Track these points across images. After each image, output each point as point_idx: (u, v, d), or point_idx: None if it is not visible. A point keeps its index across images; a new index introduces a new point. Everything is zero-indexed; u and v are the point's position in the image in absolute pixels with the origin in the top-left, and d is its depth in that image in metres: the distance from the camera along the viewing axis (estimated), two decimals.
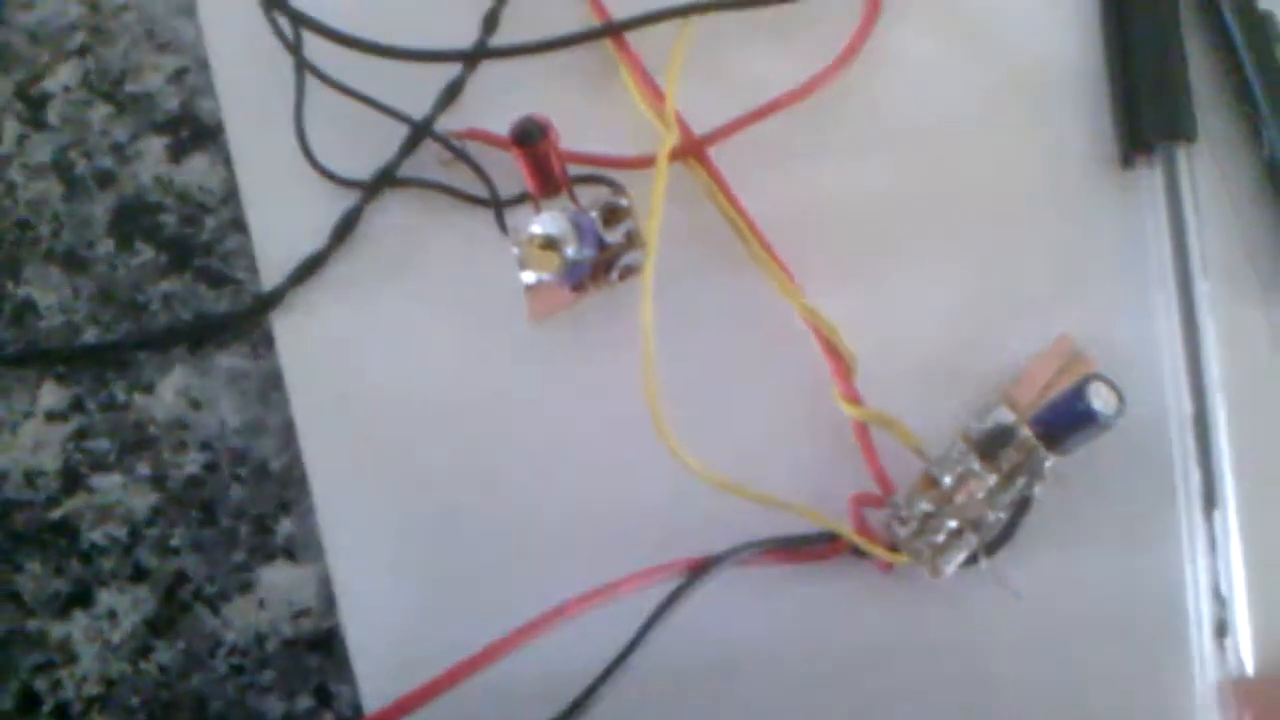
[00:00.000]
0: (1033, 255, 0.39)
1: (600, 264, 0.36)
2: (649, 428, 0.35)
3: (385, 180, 0.37)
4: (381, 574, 0.36)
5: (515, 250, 0.35)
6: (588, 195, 0.36)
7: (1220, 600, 0.38)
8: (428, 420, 0.37)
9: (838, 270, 0.38)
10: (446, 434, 0.37)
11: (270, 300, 0.37)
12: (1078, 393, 0.35)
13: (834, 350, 0.37)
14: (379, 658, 0.36)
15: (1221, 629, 0.38)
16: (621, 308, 0.36)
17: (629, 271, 0.36)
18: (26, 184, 0.38)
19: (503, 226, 0.37)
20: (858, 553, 0.37)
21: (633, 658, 0.32)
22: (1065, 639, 0.38)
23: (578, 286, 0.35)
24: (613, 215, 0.35)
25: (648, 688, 0.35)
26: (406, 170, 0.37)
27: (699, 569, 0.34)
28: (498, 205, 0.37)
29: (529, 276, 0.35)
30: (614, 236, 0.36)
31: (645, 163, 0.36)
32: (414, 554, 0.36)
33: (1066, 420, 0.35)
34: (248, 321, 0.37)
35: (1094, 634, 0.38)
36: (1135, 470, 0.38)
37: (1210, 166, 0.40)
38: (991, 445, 0.36)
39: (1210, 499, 0.38)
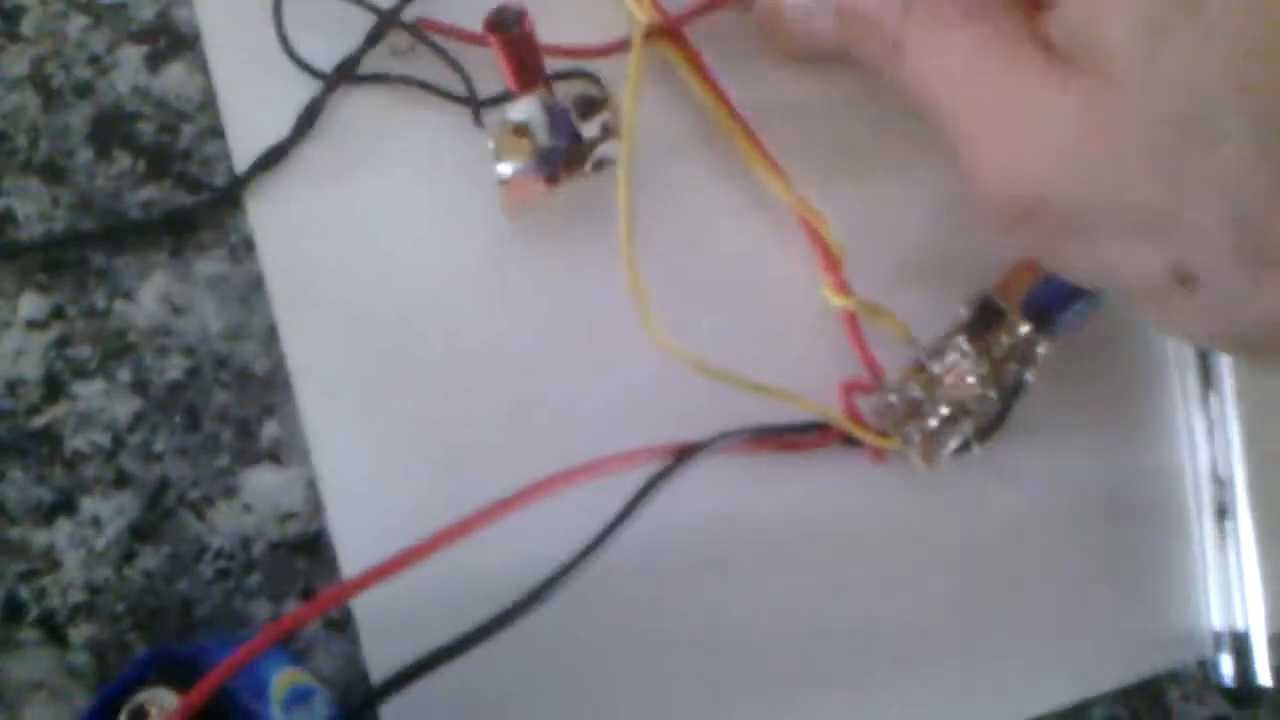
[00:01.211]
0: None
1: (575, 155, 0.35)
2: (632, 323, 0.35)
3: (348, 70, 0.37)
4: (368, 474, 0.36)
5: (491, 144, 0.35)
6: (566, 90, 0.36)
7: (1219, 482, 0.37)
8: (409, 316, 0.36)
9: (826, 165, 0.37)
10: (428, 329, 0.36)
11: (233, 187, 0.36)
12: None
13: (821, 240, 0.36)
14: (367, 558, 0.35)
15: (1222, 511, 0.37)
16: (599, 200, 0.36)
17: (604, 164, 0.35)
18: (3, 96, 0.37)
19: (479, 122, 0.36)
20: (848, 441, 0.36)
21: (612, 540, 0.32)
22: (1062, 526, 0.37)
23: (551, 178, 0.35)
24: (589, 108, 0.35)
25: (628, 573, 0.35)
26: (380, 63, 0.37)
27: (684, 453, 0.33)
28: (474, 102, 0.36)
29: (503, 168, 0.35)
30: (590, 130, 0.35)
31: (620, 47, 0.36)
32: (400, 452, 0.36)
33: (1057, 296, 0.35)
34: (213, 211, 0.37)
35: (1091, 520, 0.38)
36: (1130, 354, 0.38)
37: None
38: (981, 327, 0.36)
39: (1207, 380, 0.37)
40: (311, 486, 0.36)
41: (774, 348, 0.37)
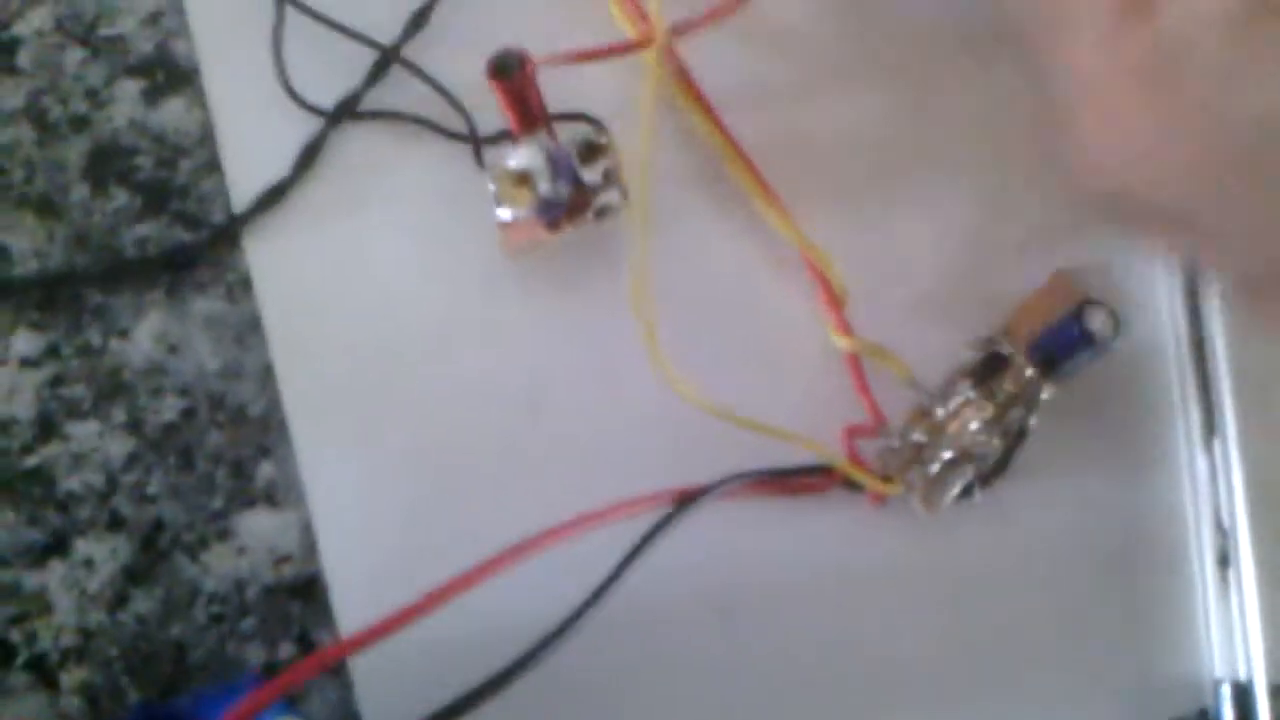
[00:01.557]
0: (1029, 189, 0.38)
1: (578, 203, 0.35)
2: (632, 363, 0.35)
3: (350, 107, 0.36)
4: (364, 518, 0.36)
5: (492, 186, 0.35)
6: (567, 133, 0.36)
7: (1222, 531, 0.37)
8: (407, 357, 0.36)
9: (832, 202, 0.37)
10: (427, 371, 0.36)
11: (232, 226, 0.36)
12: (1075, 316, 0.35)
13: (825, 280, 0.36)
14: (362, 602, 0.35)
15: (1224, 559, 0.37)
16: (597, 239, 0.36)
17: (606, 212, 0.35)
18: (2, 129, 0.37)
19: (480, 162, 0.36)
20: (850, 485, 0.36)
21: (617, 588, 0.32)
22: (1063, 572, 0.37)
23: (553, 225, 0.35)
24: (591, 152, 0.35)
25: (633, 620, 0.34)
26: (381, 98, 0.37)
27: (687, 498, 0.33)
28: (475, 141, 0.36)
29: (504, 212, 0.35)
30: (592, 175, 0.35)
31: (629, 47, 0.35)
32: (397, 495, 0.36)
33: (1064, 344, 0.35)
34: (211, 249, 0.36)
35: (1093, 566, 0.37)
36: (1134, 400, 0.38)
37: None
38: (986, 372, 0.36)
39: (1210, 427, 0.37)
40: (306, 529, 0.36)
41: (777, 387, 0.37)
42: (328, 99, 0.37)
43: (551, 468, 0.36)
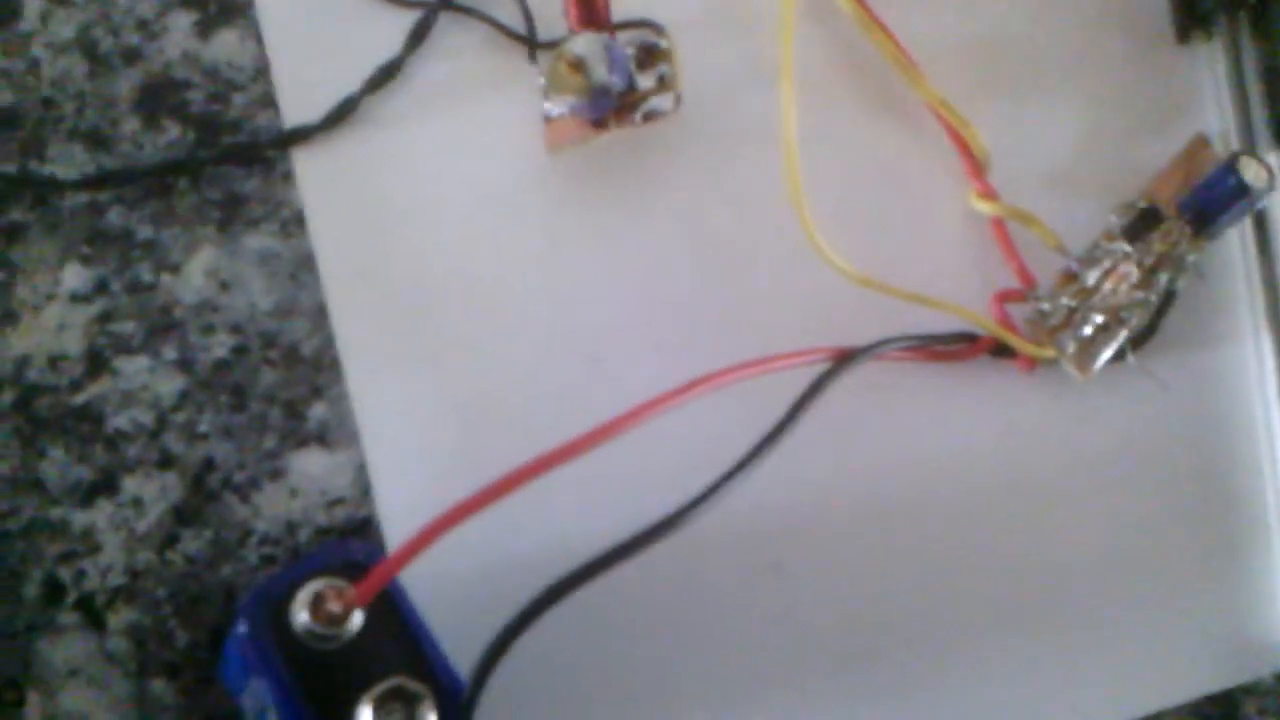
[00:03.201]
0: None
1: (627, 103, 0.34)
2: (714, 272, 0.35)
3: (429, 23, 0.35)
4: (419, 460, 0.35)
5: (540, 80, 0.34)
6: (626, 38, 0.35)
7: None
8: (465, 296, 0.35)
9: (971, 75, 0.37)
10: (485, 310, 0.35)
11: (294, 137, 0.35)
12: (1227, 169, 0.34)
13: (967, 147, 0.35)
14: None
15: None
16: (647, 151, 0.35)
17: (655, 115, 0.34)
18: (50, 61, 0.36)
19: (534, 59, 0.35)
20: (999, 352, 0.35)
21: (766, 456, 0.30)
22: (1213, 436, 0.37)
23: (599, 123, 0.34)
24: (649, 56, 0.34)
25: (779, 485, 0.32)
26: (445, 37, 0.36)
27: (844, 357, 0.32)
28: (533, 41, 0.35)
29: (552, 106, 0.34)
30: (646, 80, 0.34)
31: None
32: (452, 438, 0.35)
33: (1218, 198, 0.35)
34: (265, 182, 0.36)
35: (1242, 432, 0.37)
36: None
37: None
38: (1137, 231, 0.35)
39: None
40: (360, 470, 0.35)
41: (919, 257, 0.37)
42: (397, 29, 0.36)
43: (615, 408, 0.35)
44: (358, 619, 0.27)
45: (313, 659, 0.26)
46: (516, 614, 0.26)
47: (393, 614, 0.28)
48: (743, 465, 0.28)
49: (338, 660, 0.26)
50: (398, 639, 0.28)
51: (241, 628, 0.27)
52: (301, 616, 0.27)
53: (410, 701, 0.27)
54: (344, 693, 0.27)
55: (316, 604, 0.27)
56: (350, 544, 0.33)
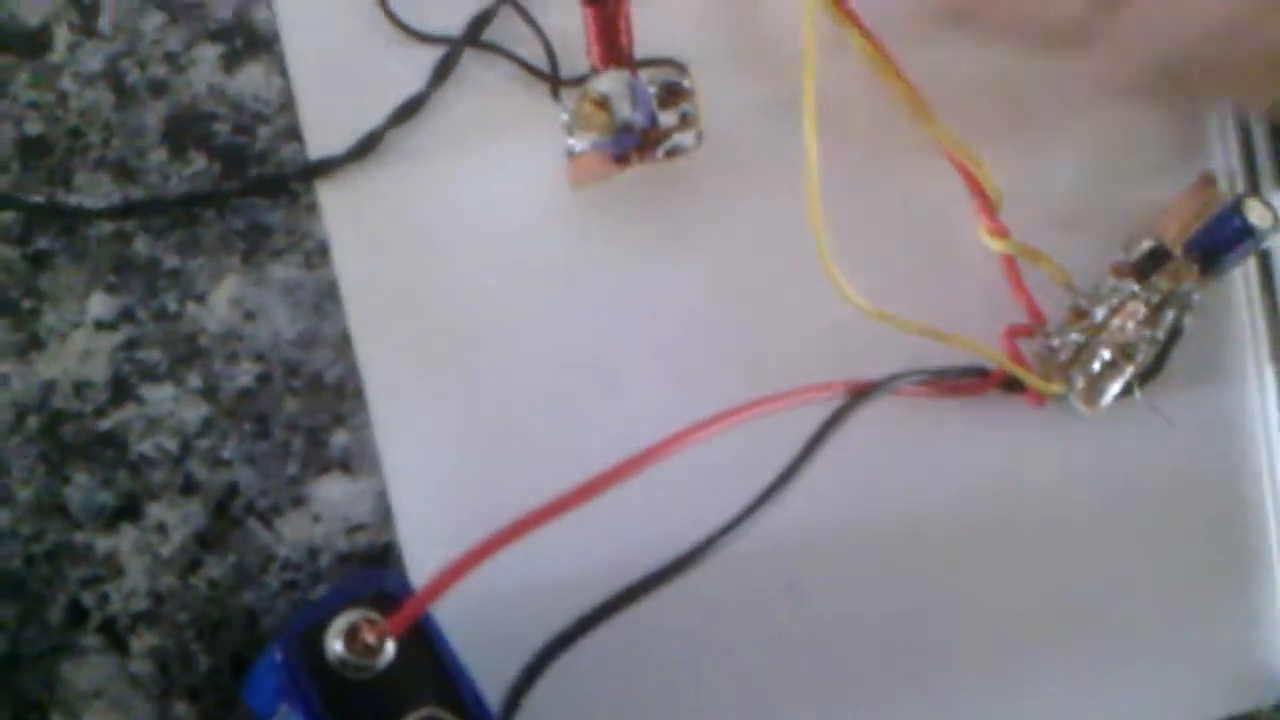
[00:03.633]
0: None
1: (649, 140, 0.35)
2: (723, 313, 0.35)
3: (478, 29, 0.36)
4: (440, 487, 0.35)
5: (564, 116, 0.34)
6: (649, 75, 0.35)
7: None
8: (487, 326, 0.36)
9: (981, 115, 0.37)
10: (507, 340, 0.36)
11: (319, 169, 0.36)
12: (1233, 210, 0.35)
13: (978, 184, 0.36)
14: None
15: None
16: (669, 185, 0.36)
17: (677, 151, 0.35)
18: (78, 92, 0.37)
19: (556, 94, 0.36)
20: (1010, 386, 0.36)
21: (785, 490, 0.30)
22: (1217, 470, 0.38)
23: (622, 159, 0.35)
24: (671, 94, 0.35)
25: (795, 510, 0.32)
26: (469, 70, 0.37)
27: (860, 392, 0.33)
28: (556, 78, 0.36)
29: (575, 142, 0.34)
30: (668, 118, 0.35)
31: None
32: (474, 467, 0.35)
33: (1223, 239, 0.35)
34: (289, 214, 0.36)
35: (1246, 465, 0.37)
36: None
37: None
38: (1144, 270, 0.36)
39: None
40: (381, 498, 0.36)
41: (932, 290, 0.37)
42: (420, 64, 0.36)
43: (635, 439, 0.35)
44: (390, 649, 0.28)
45: (346, 689, 0.27)
46: (544, 646, 0.27)
47: (424, 644, 0.29)
48: (767, 496, 0.29)
49: (370, 690, 0.27)
50: (429, 669, 0.28)
51: (277, 655, 0.28)
52: (336, 646, 0.27)
53: None
54: None
55: (351, 635, 0.27)
56: (382, 574, 0.34)
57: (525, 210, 0.36)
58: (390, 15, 0.36)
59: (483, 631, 0.30)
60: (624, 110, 0.34)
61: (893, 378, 0.34)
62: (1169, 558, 0.37)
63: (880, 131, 0.37)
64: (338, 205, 0.36)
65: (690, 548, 0.28)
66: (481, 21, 0.36)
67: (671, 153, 0.35)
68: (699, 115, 0.34)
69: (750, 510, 0.29)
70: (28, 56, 0.37)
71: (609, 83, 0.34)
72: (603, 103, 0.34)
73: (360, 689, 0.27)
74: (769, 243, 0.36)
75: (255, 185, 0.36)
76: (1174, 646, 0.37)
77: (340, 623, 0.27)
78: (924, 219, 0.37)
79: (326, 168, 0.36)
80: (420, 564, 0.35)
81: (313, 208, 0.36)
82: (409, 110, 0.36)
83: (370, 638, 0.27)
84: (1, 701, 0.34)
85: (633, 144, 0.34)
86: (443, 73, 0.36)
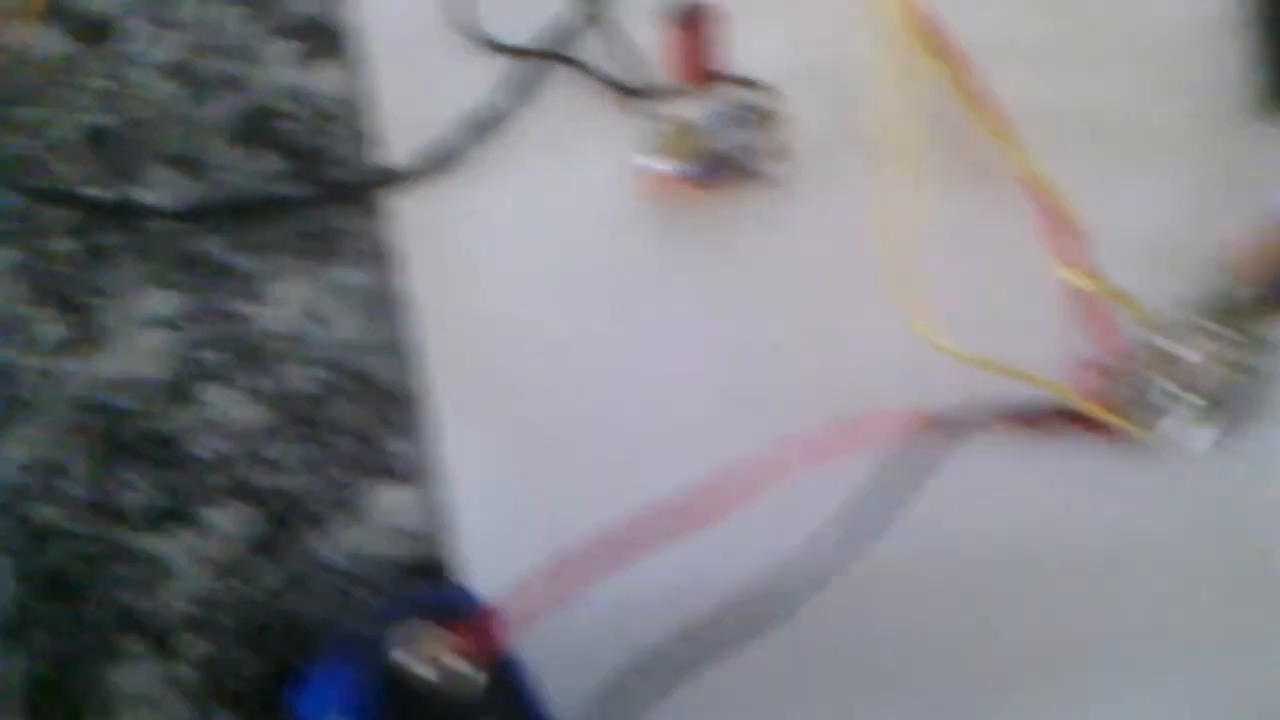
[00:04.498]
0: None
1: (736, 167, 0.34)
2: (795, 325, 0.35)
3: (553, 50, 0.36)
4: (500, 502, 0.35)
5: (646, 137, 0.34)
6: (737, 97, 0.35)
7: None
8: (557, 339, 0.35)
9: (1063, 146, 0.36)
10: (577, 353, 0.35)
11: (395, 178, 0.35)
12: None
13: (1057, 218, 0.35)
14: (494, 584, 0.34)
15: None
16: (744, 209, 0.35)
17: (765, 181, 0.34)
18: (149, 84, 0.36)
19: (637, 112, 0.35)
20: (1089, 426, 0.35)
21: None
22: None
23: (705, 184, 0.34)
24: (760, 120, 0.34)
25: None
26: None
27: (934, 426, 0.32)
28: (627, 89, 0.35)
29: (658, 163, 0.34)
30: (758, 142, 0.34)
31: None
32: (534, 482, 0.35)
33: None
34: (357, 219, 0.36)
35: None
36: None
37: None
38: (1230, 309, 0.35)
39: None
40: (436, 508, 0.35)
41: (1006, 323, 0.36)
42: (496, 70, 0.36)
43: (699, 463, 0.34)
44: (480, 680, 0.27)
45: (415, 707, 0.26)
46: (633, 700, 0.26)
47: (509, 682, 0.27)
48: (876, 534, 0.29)
49: (441, 714, 0.26)
50: (514, 708, 0.27)
51: (346, 666, 0.27)
52: (420, 667, 0.27)
53: None
54: None
55: (434, 656, 0.27)
56: (450, 589, 0.33)
57: (599, 230, 0.36)
58: (467, 27, 0.35)
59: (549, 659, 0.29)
60: (714, 141, 0.33)
61: (975, 416, 0.33)
62: (1220, 606, 0.36)
63: (954, 158, 0.36)
64: (413, 216, 0.36)
65: (784, 596, 0.27)
66: (564, 36, 0.36)
67: (759, 179, 0.34)
68: (791, 146, 0.34)
69: (850, 555, 0.28)
70: (95, 44, 0.36)
71: (695, 110, 0.33)
72: (691, 130, 0.33)
73: (430, 711, 0.26)
74: (839, 270, 0.35)
75: (331, 192, 0.36)
76: (1208, 695, 0.36)
77: (426, 643, 0.26)
78: (1000, 249, 0.36)
79: (402, 178, 0.35)
80: (478, 577, 0.34)
81: (382, 213, 0.36)
82: (488, 125, 0.35)
83: (460, 665, 0.26)
84: (48, 703, 0.33)
85: (715, 174, 0.34)
86: (525, 89, 0.36)
